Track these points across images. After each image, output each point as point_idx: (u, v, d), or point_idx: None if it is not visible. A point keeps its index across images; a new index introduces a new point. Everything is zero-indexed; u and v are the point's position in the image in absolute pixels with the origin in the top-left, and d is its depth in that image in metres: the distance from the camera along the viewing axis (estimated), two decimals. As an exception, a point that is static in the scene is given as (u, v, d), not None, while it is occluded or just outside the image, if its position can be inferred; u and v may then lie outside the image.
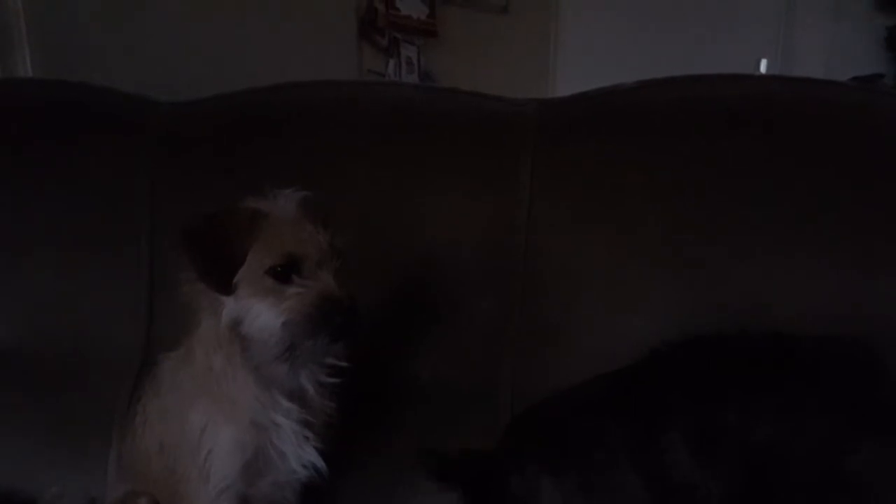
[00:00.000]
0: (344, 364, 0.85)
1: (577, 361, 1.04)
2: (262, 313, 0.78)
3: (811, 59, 3.13)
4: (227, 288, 0.78)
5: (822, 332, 0.80)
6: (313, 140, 1.18)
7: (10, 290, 1.20)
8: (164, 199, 1.21)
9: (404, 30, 3.21)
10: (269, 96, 1.26)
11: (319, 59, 2.55)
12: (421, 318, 1.11)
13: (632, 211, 1.05)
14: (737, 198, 1.01)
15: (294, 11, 2.46)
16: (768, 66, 3.21)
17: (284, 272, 0.78)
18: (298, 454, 0.86)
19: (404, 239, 1.13)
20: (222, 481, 0.83)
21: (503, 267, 1.10)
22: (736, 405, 0.74)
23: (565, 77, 3.43)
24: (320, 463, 0.87)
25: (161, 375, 0.90)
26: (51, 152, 1.23)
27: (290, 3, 2.47)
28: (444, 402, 1.08)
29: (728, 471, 0.71)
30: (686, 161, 1.04)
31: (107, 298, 1.20)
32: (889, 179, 0.97)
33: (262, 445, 0.84)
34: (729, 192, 1.02)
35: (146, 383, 0.95)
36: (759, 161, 1.01)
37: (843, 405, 0.73)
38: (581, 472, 0.77)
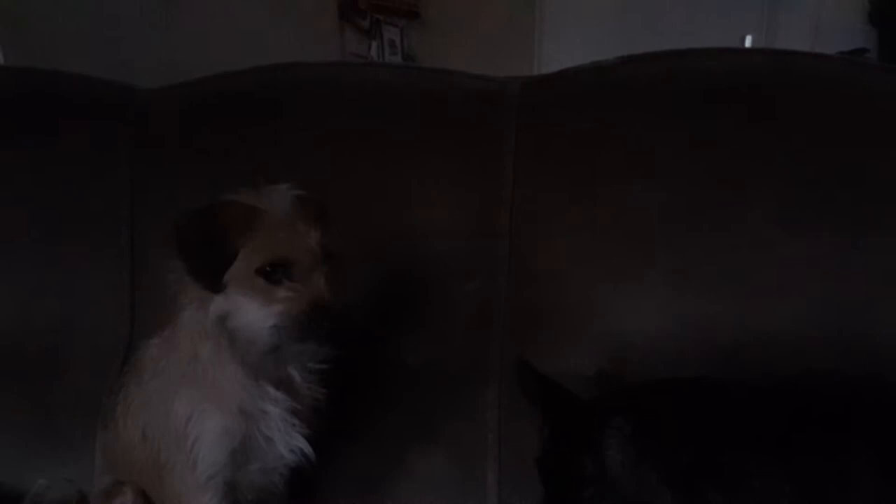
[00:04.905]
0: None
1: (565, 343, 1.04)
2: (251, 313, 0.77)
3: (795, 35, 3.13)
4: (217, 285, 0.77)
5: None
6: (295, 122, 1.16)
7: (-10, 281, 1.18)
8: (144, 186, 1.19)
9: (386, 11, 3.19)
10: (248, 79, 1.24)
11: (300, 43, 2.52)
12: (407, 302, 1.11)
13: (618, 189, 1.04)
14: (724, 175, 1.01)
15: (273, -7, 2.42)
16: (753, 43, 3.21)
17: (275, 274, 0.77)
18: (286, 440, 0.85)
19: (388, 222, 1.12)
20: (210, 468, 0.83)
21: (488, 248, 1.09)
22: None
23: (550, 57, 3.41)
24: (308, 448, 0.87)
25: (143, 364, 0.89)
26: (27, 141, 1.21)
27: (269, -15, 2.44)
28: (432, 386, 1.08)
29: None
30: (671, 138, 1.03)
31: (88, 288, 1.19)
32: (880, 152, 0.97)
33: (250, 433, 0.84)
34: (716, 169, 1.01)
35: (127, 372, 0.94)
36: (746, 136, 1.01)
37: None
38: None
